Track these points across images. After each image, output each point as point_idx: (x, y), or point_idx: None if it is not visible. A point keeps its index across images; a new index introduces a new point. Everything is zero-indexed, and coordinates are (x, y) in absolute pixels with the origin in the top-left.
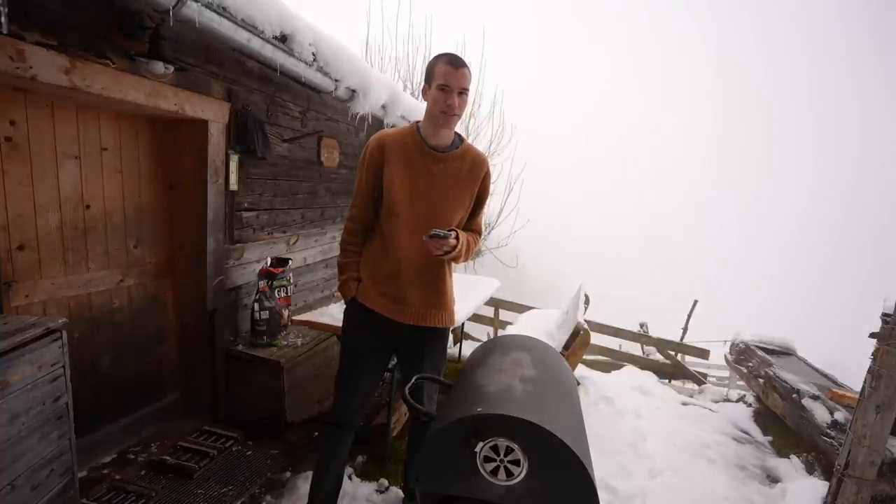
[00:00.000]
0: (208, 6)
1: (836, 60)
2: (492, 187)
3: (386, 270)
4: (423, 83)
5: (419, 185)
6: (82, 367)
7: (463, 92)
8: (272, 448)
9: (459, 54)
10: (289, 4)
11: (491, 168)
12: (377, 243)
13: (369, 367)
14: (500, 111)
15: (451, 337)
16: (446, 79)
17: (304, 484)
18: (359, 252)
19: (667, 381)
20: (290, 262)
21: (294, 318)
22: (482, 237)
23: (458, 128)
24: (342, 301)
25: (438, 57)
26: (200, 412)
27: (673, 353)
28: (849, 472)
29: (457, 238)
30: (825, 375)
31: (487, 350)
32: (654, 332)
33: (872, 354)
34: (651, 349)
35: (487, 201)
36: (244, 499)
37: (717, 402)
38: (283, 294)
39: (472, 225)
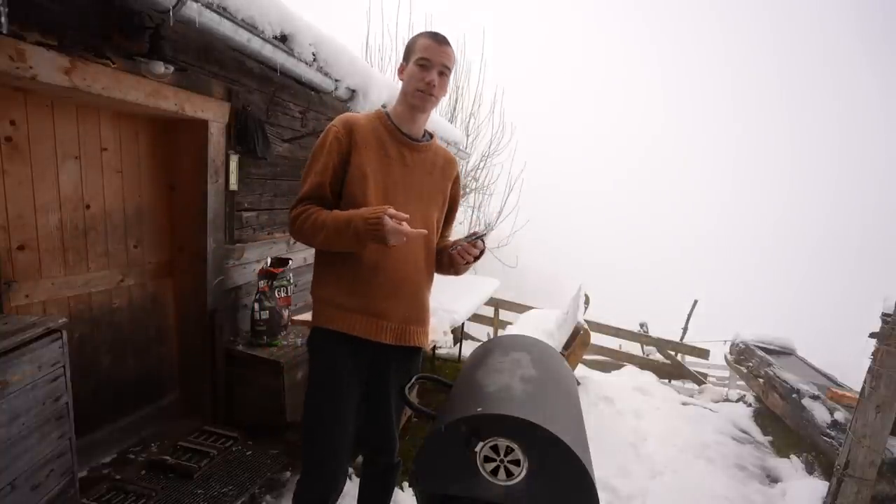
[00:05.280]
0: (208, 6)
1: (857, 69)
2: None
3: (357, 282)
4: (400, 62)
5: (394, 176)
6: (82, 367)
7: (444, 71)
8: (272, 448)
9: (459, 54)
10: (289, 4)
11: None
12: (341, 252)
13: (352, 411)
14: (500, 110)
15: (451, 337)
16: (428, 53)
17: None
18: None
19: (667, 381)
20: (291, 262)
21: (294, 318)
22: None
23: (459, 126)
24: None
25: (419, 34)
26: (200, 412)
27: (673, 353)
28: (849, 472)
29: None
30: (825, 375)
31: (487, 350)
32: (654, 332)
33: (872, 354)
34: (651, 349)
35: (457, 212)
36: (244, 499)
37: (717, 402)
38: (283, 294)
39: (447, 233)
